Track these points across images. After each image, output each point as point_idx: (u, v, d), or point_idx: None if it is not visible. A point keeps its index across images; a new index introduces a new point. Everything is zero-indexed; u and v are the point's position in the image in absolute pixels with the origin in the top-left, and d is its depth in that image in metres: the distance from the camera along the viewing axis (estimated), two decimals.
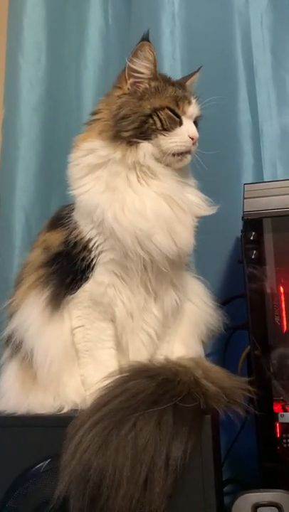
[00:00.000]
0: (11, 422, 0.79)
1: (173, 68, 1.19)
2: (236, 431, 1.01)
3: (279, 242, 0.90)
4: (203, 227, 0.89)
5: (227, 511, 0.75)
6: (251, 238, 0.89)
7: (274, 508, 0.72)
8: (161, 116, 0.82)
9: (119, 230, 0.79)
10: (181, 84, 0.88)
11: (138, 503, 0.66)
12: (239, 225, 0.95)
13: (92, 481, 0.67)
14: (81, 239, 0.83)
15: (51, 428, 0.75)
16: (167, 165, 0.84)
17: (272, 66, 1.23)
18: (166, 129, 0.82)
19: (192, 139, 0.83)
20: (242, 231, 0.93)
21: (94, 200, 0.81)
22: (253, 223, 0.89)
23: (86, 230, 0.83)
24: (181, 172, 0.86)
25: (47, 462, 0.74)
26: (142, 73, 0.84)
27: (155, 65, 0.84)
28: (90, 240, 0.82)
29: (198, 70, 0.94)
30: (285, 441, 0.84)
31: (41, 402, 0.81)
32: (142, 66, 0.83)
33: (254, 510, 0.73)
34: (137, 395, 0.72)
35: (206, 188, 0.90)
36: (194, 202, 0.86)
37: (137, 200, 0.80)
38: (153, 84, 0.84)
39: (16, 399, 0.83)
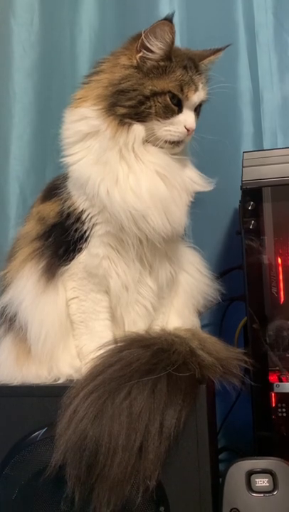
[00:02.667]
0: (7, 392, 0.79)
1: None
2: (232, 401, 1.02)
3: (278, 212, 0.89)
4: (202, 198, 0.87)
5: (222, 478, 0.76)
6: (250, 208, 0.87)
7: (268, 474, 0.74)
8: (157, 104, 0.78)
9: (113, 206, 0.77)
10: (194, 64, 0.81)
11: (133, 470, 0.67)
12: (238, 195, 0.93)
13: (88, 450, 0.67)
14: (74, 210, 0.81)
15: (47, 397, 0.75)
16: (160, 147, 0.80)
17: (275, 29, 1.18)
18: (161, 117, 0.78)
19: (188, 130, 0.80)
20: (240, 201, 0.91)
21: (86, 172, 0.79)
22: (252, 192, 0.87)
23: (79, 201, 0.81)
24: None
25: (43, 431, 0.74)
26: (153, 52, 0.78)
27: (171, 47, 0.78)
28: (83, 212, 0.80)
29: (222, 49, 0.86)
30: (279, 410, 0.85)
31: (35, 375, 0.81)
32: (155, 46, 0.77)
33: (248, 477, 0.74)
34: (131, 364, 0.72)
35: (205, 158, 0.87)
36: (191, 178, 0.84)
37: (132, 177, 0.78)
38: (162, 63, 0.78)
39: (9, 373, 0.82)
